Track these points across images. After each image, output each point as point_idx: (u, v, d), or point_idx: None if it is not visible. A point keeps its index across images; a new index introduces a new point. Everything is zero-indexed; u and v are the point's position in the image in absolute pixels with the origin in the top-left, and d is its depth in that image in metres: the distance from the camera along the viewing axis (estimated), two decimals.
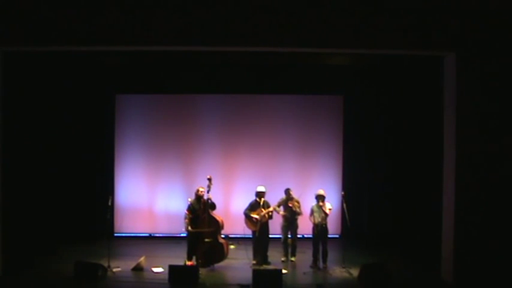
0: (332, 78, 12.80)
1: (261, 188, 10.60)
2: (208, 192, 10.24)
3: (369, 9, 9.15)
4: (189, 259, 10.25)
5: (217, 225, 10.26)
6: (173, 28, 9.12)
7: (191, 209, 10.31)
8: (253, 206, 10.52)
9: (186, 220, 10.22)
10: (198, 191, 10.40)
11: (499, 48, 9.14)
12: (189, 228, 10.16)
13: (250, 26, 9.13)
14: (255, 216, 10.41)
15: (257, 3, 9.12)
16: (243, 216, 10.57)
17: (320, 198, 10.35)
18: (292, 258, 10.78)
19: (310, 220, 10.41)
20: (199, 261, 10.11)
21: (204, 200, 10.28)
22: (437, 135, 9.90)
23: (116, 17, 9.07)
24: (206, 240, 10.14)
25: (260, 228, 10.33)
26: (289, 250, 10.84)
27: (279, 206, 10.70)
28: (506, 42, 9.14)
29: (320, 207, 10.32)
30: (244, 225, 10.61)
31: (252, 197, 10.62)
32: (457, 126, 9.21)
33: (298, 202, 10.71)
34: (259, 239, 10.39)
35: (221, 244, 10.34)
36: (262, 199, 10.51)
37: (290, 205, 10.60)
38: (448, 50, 9.31)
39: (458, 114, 9.21)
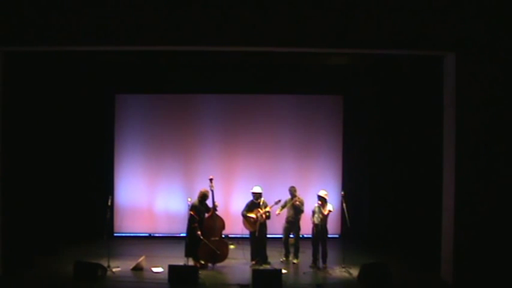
0: (332, 78, 12.79)
1: (256, 189, 10.59)
2: (212, 192, 10.31)
3: (369, 9, 9.15)
4: (197, 259, 10.22)
5: (223, 224, 10.36)
6: (173, 28, 9.12)
7: (195, 210, 10.29)
8: (250, 207, 10.52)
9: (196, 224, 10.19)
10: (204, 195, 10.39)
11: (499, 48, 9.14)
12: (199, 233, 10.12)
13: (250, 26, 9.13)
14: (252, 216, 10.41)
15: (257, 3, 9.12)
16: (241, 217, 10.59)
17: (320, 199, 10.35)
18: (295, 261, 10.71)
19: (312, 220, 10.42)
20: (202, 261, 10.14)
21: (206, 204, 10.40)
22: (437, 136, 9.90)
23: (116, 17, 9.07)
24: (213, 239, 10.18)
25: (258, 228, 10.34)
26: (292, 251, 10.81)
27: (283, 207, 10.70)
28: (506, 42, 9.14)
29: (320, 208, 10.32)
30: (243, 226, 10.66)
31: (251, 197, 10.63)
32: (457, 126, 9.21)
33: (299, 197, 10.69)
34: (258, 239, 10.39)
35: (226, 243, 10.43)
36: (262, 199, 10.51)
37: (294, 203, 10.58)
38: (448, 50, 9.31)
39: (458, 114, 9.21)
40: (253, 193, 10.57)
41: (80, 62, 11.83)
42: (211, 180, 10.41)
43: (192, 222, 10.21)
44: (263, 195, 10.57)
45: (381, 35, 9.19)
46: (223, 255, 10.34)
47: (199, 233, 10.12)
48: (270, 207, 10.48)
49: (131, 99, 13.35)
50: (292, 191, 10.74)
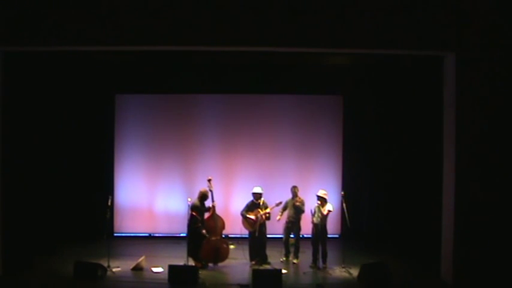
0: (332, 78, 12.79)
1: (257, 189, 10.59)
2: (211, 192, 10.31)
3: (368, 9, 9.15)
4: (198, 260, 10.20)
5: (224, 224, 10.38)
6: (173, 28, 9.12)
7: (197, 210, 10.27)
8: (250, 207, 10.52)
9: (199, 224, 10.16)
10: (204, 194, 10.37)
11: (499, 48, 9.13)
12: (204, 232, 10.14)
13: (250, 26, 9.13)
14: (251, 217, 10.41)
15: (257, 3, 9.12)
16: (241, 217, 10.59)
17: (319, 198, 10.35)
18: (295, 261, 10.71)
19: (311, 220, 10.41)
20: (203, 262, 10.14)
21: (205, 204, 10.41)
22: (437, 135, 9.90)
23: (115, 17, 9.07)
24: (213, 238, 10.18)
25: (258, 228, 10.33)
26: (292, 251, 10.81)
27: (284, 210, 10.70)
28: (506, 43, 9.14)
29: (319, 208, 10.32)
30: (241, 226, 10.66)
31: (251, 197, 10.62)
32: (457, 126, 9.21)
33: (300, 197, 10.69)
34: (257, 239, 10.39)
35: (226, 243, 10.43)
36: (262, 199, 10.51)
37: (295, 203, 10.58)
38: (448, 50, 9.31)
39: (458, 114, 9.21)
40: (253, 193, 10.56)
41: (80, 62, 11.83)
42: (209, 180, 10.41)
43: (195, 223, 10.20)
44: (263, 195, 10.57)
45: (381, 35, 9.18)
46: (224, 254, 10.35)
47: (204, 231, 10.12)
48: (271, 209, 10.48)
49: (131, 99, 13.35)
50: (295, 191, 10.74)
